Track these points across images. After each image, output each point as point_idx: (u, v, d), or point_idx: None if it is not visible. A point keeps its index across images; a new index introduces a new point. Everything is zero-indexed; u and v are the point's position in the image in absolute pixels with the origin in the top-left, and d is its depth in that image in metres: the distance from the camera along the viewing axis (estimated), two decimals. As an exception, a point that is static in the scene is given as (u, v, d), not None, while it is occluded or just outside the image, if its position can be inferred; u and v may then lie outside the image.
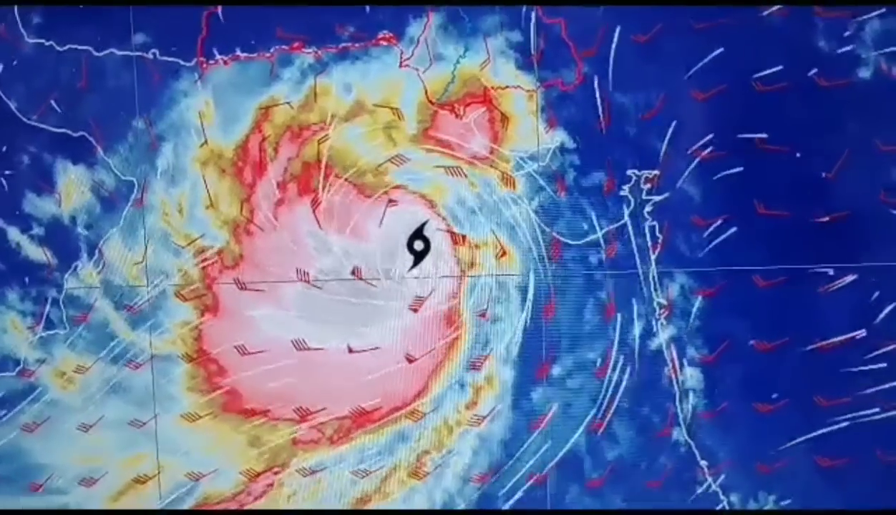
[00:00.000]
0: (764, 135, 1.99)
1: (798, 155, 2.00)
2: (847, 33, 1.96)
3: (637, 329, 1.98)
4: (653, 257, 1.95)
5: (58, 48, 2.06)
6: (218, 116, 1.99)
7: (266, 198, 1.99)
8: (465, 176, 1.96)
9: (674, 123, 1.93)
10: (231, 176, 2.00)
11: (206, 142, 1.98)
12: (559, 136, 1.95)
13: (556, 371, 1.99)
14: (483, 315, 1.98)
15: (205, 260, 2.03)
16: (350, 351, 1.99)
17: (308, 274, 1.99)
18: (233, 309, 2.02)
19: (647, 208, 1.95)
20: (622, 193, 1.95)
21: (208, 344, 2.04)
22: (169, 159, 2.00)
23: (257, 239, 2.00)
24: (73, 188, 2.03)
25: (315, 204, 1.98)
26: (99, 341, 2.06)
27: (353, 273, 1.97)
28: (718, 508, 2.07)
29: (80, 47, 2.02)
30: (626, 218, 1.94)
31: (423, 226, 1.95)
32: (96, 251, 2.04)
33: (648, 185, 1.94)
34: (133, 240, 2.04)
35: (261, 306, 2.00)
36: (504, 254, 1.97)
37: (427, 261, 1.97)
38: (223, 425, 2.06)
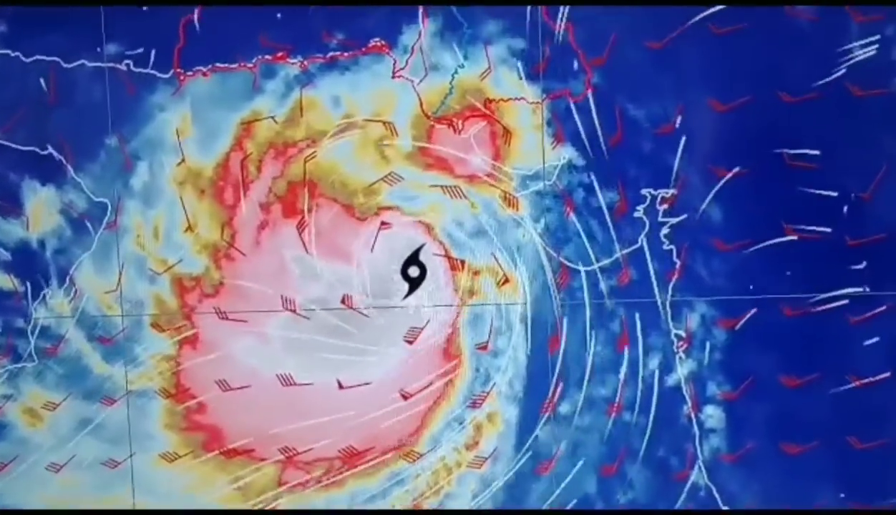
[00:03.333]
0: (792, 151, 1.86)
1: (830, 172, 1.86)
2: (880, 37, 1.81)
3: (653, 363, 1.90)
4: (670, 284, 1.87)
5: (24, 59, 1.97)
6: (196, 132, 1.92)
7: (248, 221, 1.93)
8: (465, 196, 1.89)
9: (692, 138, 1.84)
10: (210, 197, 1.94)
11: (183, 160, 1.93)
12: (567, 152, 1.87)
13: (563, 408, 1.91)
14: (484, 347, 1.91)
15: (183, 286, 1.98)
16: (340, 386, 1.93)
17: (294, 302, 1.92)
18: (213, 340, 1.96)
19: (664, 231, 1.87)
20: (636, 215, 1.87)
21: (188, 378, 1.98)
22: (144, 179, 1.94)
23: (239, 264, 1.94)
24: (41, 210, 1.97)
25: (301, 226, 1.91)
26: (71, 375, 1.99)
27: (343, 301, 1.91)
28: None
29: (47, 58, 1.96)
30: (641, 241, 1.86)
31: (418, 250, 1.89)
32: (67, 278, 1.98)
33: (665, 206, 1.86)
34: (106, 265, 1.98)
35: (243, 337, 1.95)
36: (506, 281, 1.89)
37: (423, 289, 1.90)
38: (204, 465, 1.99)
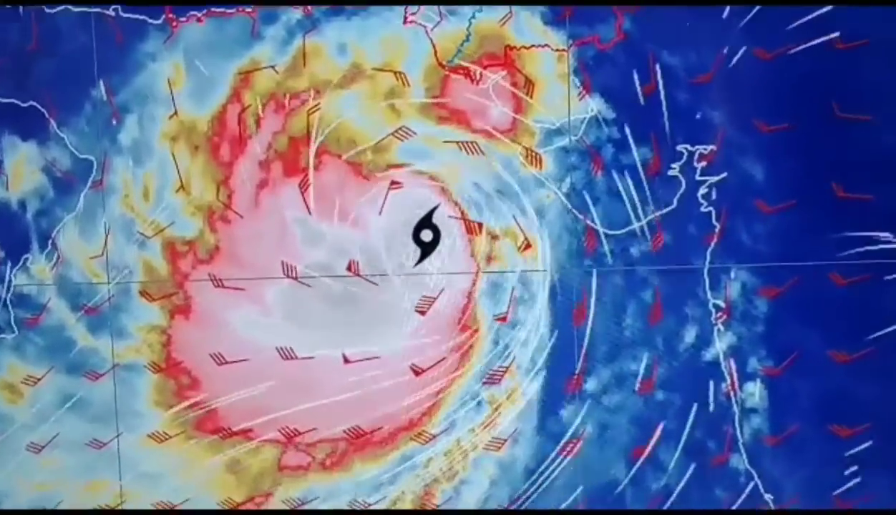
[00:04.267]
0: (844, 103, 1.74)
1: (886, 127, 1.74)
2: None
3: (689, 336, 1.80)
4: (708, 250, 1.78)
5: (3, 4, 1.86)
6: (190, 83, 1.84)
7: (246, 180, 1.85)
8: (482, 152, 1.80)
9: (734, 88, 1.75)
10: (205, 153, 1.85)
11: (175, 113, 1.85)
12: (595, 104, 1.78)
13: (590, 385, 1.83)
14: (503, 318, 1.83)
15: (175, 251, 1.88)
16: (346, 361, 1.85)
17: (296, 268, 1.84)
18: (208, 310, 1.88)
19: (702, 190, 1.78)
20: (671, 173, 1.78)
21: (179, 351, 1.89)
22: (133, 134, 1.86)
23: (236, 227, 1.86)
24: (21, 168, 1.89)
25: (304, 186, 1.83)
26: (53, 347, 1.91)
27: (348, 268, 1.83)
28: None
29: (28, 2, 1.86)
30: (676, 202, 1.78)
31: (431, 212, 1.81)
32: (49, 242, 1.90)
33: (703, 163, 1.77)
34: (91, 229, 1.89)
35: (240, 307, 1.86)
36: (528, 245, 1.81)
37: (436, 255, 1.82)
38: (196, 446, 1.91)
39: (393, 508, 1.89)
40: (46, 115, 1.87)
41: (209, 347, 1.88)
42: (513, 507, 1.87)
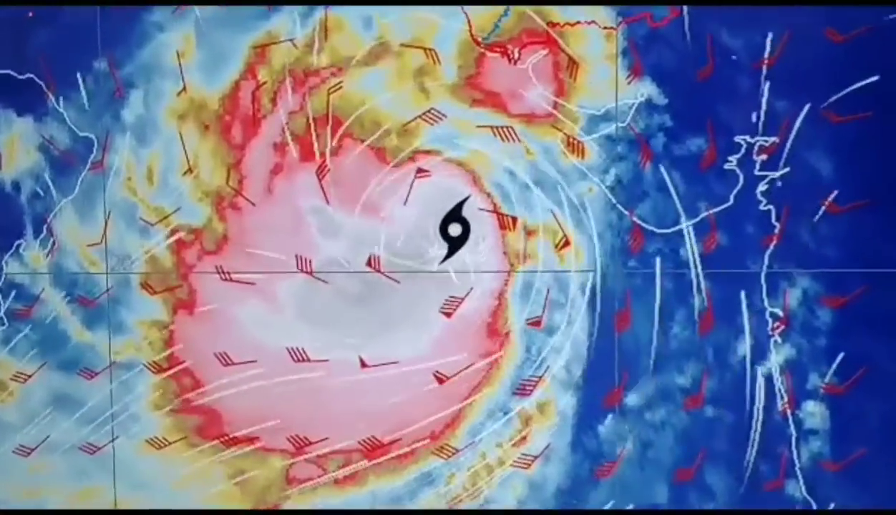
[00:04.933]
0: None
1: None
2: None
3: (742, 347, 1.71)
4: (767, 252, 1.69)
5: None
6: (201, 57, 1.77)
7: (259, 164, 1.77)
8: (519, 139, 1.72)
9: (801, 74, 1.65)
10: (216, 134, 1.78)
11: (184, 89, 1.78)
12: (645, 88, 1.70)
13: (631, 399, 1.74)
14: (537, 323, 1.74)
15: (180, 241, 1.81)
16: (363, 365, 1.77)
17: (311, 262, 1.77)
18: (214, 306, 1.80)
19: (762, 187, 1.68)
20: (728, 166, 1.69)
21: (182, 350, 1.82)
22: (138, 111, 1.80)
23: (247, 216, 1.78)
24: (16, 145, 1.82)
25: (322, 172, 1.76)
26: (46, 342, 1.84)
27: (368, 263, 1.76)
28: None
29: (28, -35, 1.81)
30: (733, 199, 1.69)
31: (461, 204, 1.74)
32: (44, 227, 1.82)
33: (764, 156, 1.68)
34: (90, 213, 1.82)
35: (249, 303, 1.79)
36: (567, 243, 1.73)
37: (465, 251, 1.74)
38: (199, 455, 1.82)
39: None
40: (45, 89, 1.80)
41: (214, 346, 1.81)
42: (543, 531, 1.75)
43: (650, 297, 1.72)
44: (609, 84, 1.70)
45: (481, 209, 1.73)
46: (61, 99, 1.79)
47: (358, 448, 1.78)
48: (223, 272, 1.78)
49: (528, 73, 1.70)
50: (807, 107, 1.65)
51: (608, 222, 1.72)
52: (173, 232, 1.79)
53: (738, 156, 1.68)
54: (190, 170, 1.78)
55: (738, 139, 1.68)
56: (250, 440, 1.80)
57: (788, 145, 1.66)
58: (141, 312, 1.81)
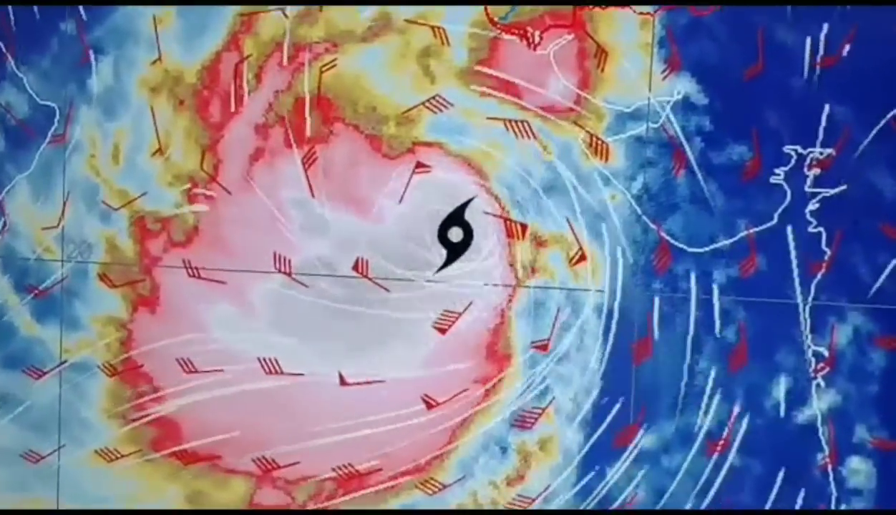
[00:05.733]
0: None
1: None
2: None
3: (779, 390, 1.61)
4: (814, 281, 1.59)
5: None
6: (179, 23, 1.69)
7: (238, 147, 1.70)
8: (534, 135, 1.64)
9: (864, 76, 1.54)
10: (191, 110, 1.71)
11: (159, 58, 1.70)
12: (683, 85, 1.60)
13: (647, 440, 1.64)
14: (543, 347, 1.67)
15: (145, 229, 1.73)
16: (343, 382, 1.70)
17: (290, 262, 1.70)
18: (178, 304, 1.73)
19: (812, 206, 1.58)
20: (774, 180, 1.59)
21: (141, 353, 1.75)
22: (106, 80, 1.72)
23: (221, 205, 1.71)
24: None
25: (308, 160, 1.68)
26: None
27: (355, 267, 1.69)
28: None
29: None
30: (777, 218, 1.59)
31: (464, 206, 1.67)
32: None
33: (817, 170, 1.58)
34: (47, 192, 1.74)
35: (218, 304, 1.72)
36: (582, 257, 1.65)
37: (466, 259, 1.68)
38: (152, 470, 1.74)
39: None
40: (2, 49, 1.72)
41: (176, 351, 1.73)
42: (537, 586, 1.65)
43: (675, 325, 1.61)
44: (642, 78, 1.60)
45: (487, 212, 1.64)
46: (20, 62, 1.72)
47: (332, 477, 1.69)
48: (191, 267, 1.70)
49: (550, 60, 1.62)
50: (870, 116, 1.54)
51: (632, 236, 1.62)
52: (138, 219, 1.70)
53: (786, 168, 1.58)
54: (160, 151, 1.70)
55: (787, 149, 1.57)
56: (211, 458, 1.70)
57: (847, 159, 1.55)
58: (97, 307, 1.73)
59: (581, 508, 1.64)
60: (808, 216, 1.57)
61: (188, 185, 1.68)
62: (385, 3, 1.61)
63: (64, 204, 1.71)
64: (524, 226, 1.63)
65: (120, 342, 1.72)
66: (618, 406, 1.63)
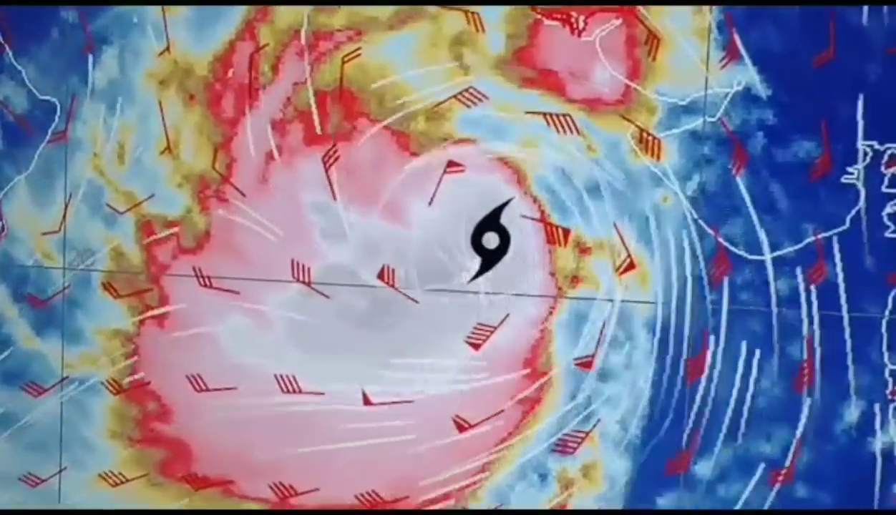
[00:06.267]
0: None
1: None
2: None
3: (851, 414, 1.53)
4: (891, 294, 1.51)
5: None
6: (190, 11, 1.65)
7: (254, 146, 1.65)
8: (578, 131, 1.58)
9: None
10: (202, 105, 1.66)
11: (168, 49, 1.66)
12: (743, 75, 1.54)
13: (701, 467, 1.58)
14: (587, 364, 1.61)
15: (152, 235, 1.69)
16: (367, 402, 1.65)
17: (310, 271, 1.65)
18: (189, 317, 1.70)
19: (889, 208, 1.52)
20: (846, 180, 1.53)
21: (148, 369, 1.71)
22: (110, 73, 1.69)
23: (235, 209, 1.66)
24: None
25: (330, 159, 1.62)
26: None
27: (381, 276, 1.64)
28: None
29: None
30: (850, 222, 1.53)
31: (500, 209, 1.61)
32: None
33: (894, 169, 1.50)
34: (48, 194, 1.71)
35: (232, 316, 1.69)
36: (631, 266, 1.59)
37: (502, 268, 1.63)
38: (160, 494, 1.71)
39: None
40: (0, 40, 1.68)
41: (187, 367, 1.70)
42: None
43: (734, 341, 1.54)
44: (697, 67, 1.53)
45: (525, 216, 1.58)
46: (19, 53, 1.68)
47: (355, 506, 1.63)
48: (202, 276, 1.65)
49: (595, 48, 1.56)
50: (956, 110, 1.43)
51: (686, 242, 1.54)
52: (145, 223, 1.65)
53: (860, 167, 1.50)
54: (169, 149, 1.65)
55: (861, 145, 1.49)
56: (224, 483, 1.66)
57: (928, 156, 1.46)
58: (101, 319, 1.69)
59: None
60: (884, 220, 1.50)
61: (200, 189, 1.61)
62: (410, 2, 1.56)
63: (65, 206, 1.69)
64: (566, 232, 1.57)
65: (125, 357, 1.70)
66: (669, 428, 1.56)
